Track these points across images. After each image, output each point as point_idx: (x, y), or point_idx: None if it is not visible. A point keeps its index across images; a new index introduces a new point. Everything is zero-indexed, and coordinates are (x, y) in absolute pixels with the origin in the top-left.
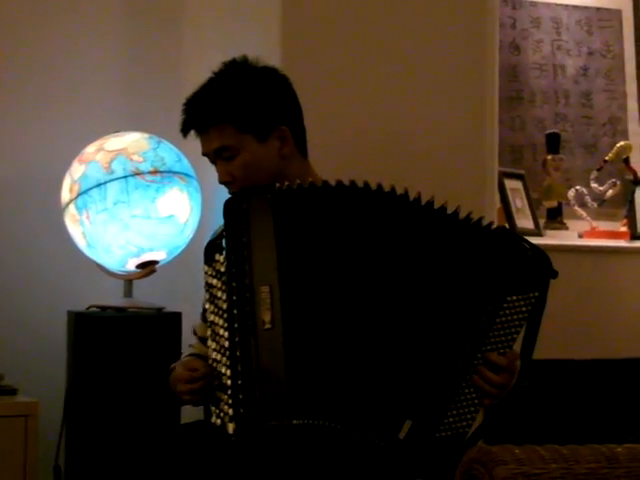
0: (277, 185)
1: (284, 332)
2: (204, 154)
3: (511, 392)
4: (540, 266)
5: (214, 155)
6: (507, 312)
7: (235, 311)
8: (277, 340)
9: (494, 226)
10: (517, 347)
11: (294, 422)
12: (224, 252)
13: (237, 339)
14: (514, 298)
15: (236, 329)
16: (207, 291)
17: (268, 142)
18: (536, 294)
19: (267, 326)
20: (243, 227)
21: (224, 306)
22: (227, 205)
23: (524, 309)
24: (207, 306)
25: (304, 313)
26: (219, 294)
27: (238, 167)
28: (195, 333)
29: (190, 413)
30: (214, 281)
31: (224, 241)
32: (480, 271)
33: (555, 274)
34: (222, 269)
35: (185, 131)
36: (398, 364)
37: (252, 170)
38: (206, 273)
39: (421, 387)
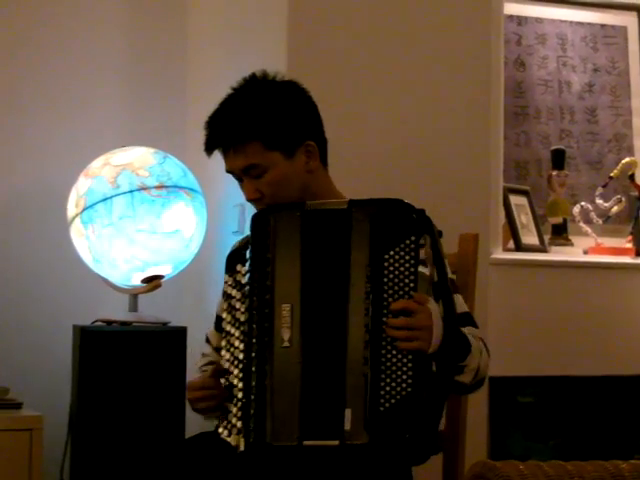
0: (308, 204)
1: (302, 351)
2: (229, 171)
3: (448, 338)
4: (403, 210)
5: (241, 172)
6: (391, 268)
7: (254, 325)
8: (294, 359)
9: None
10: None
11: (304, 443)
12: (247, 264)
13: (253, 354)
14: (392, 253)
15: (253, 344)
16: (225, 300)
17: (295, 158)
18: (412, 238)
19: (285, 344)
20: (269, 243)
21: (242, 318)
22: (255, 219)
23: (408, 257)
24: (224, 315)
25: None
26: (237, 305)
27: (267, 184)
28: (208, 341)
29: (194, 428)
30: (233, 292)
31: (248, 253)
32: (354, 243)
33: (419, 211)
34: (243, 280)
35: (210, 149)
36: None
37: (281, 186)
38: (226, 282)
39: (343, 372)
